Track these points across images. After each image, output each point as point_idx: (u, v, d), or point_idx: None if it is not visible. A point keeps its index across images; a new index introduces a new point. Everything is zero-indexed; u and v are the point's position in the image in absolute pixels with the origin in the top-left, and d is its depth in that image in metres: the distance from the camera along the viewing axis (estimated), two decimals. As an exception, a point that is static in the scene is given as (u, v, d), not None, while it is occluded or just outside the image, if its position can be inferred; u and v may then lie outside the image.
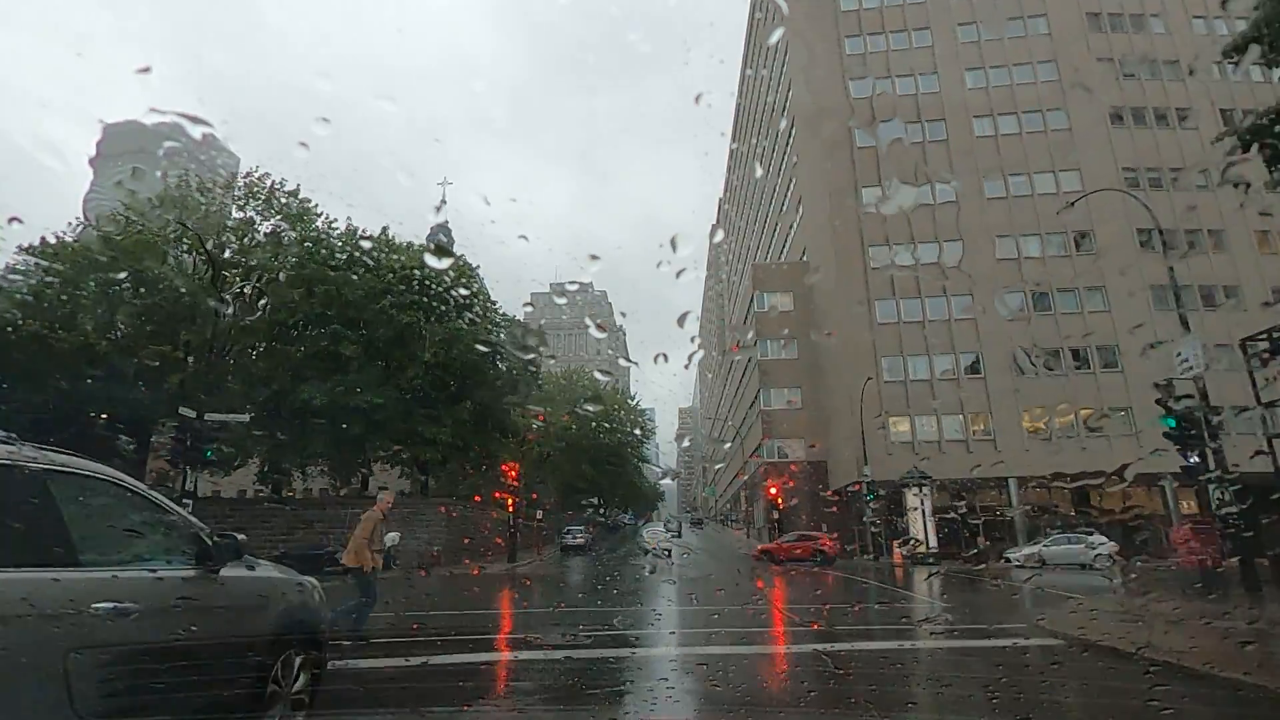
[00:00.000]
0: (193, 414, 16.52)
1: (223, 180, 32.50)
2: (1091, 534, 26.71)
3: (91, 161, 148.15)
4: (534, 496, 50.72)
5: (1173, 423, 11.32)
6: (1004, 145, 36.46)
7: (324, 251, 30.30)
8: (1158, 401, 11.88)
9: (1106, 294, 33.96)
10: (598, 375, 78.67)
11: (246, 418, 18.81)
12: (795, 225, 46.31)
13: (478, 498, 37.83)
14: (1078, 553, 25.31)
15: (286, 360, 28.64)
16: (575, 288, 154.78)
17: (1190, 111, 36.15)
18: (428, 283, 31.11)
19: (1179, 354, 11.84)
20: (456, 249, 39.91)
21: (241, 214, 31.69)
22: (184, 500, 16.42)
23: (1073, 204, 16.89)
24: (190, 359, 29.84)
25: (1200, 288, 33.81)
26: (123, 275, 27.60)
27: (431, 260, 32.15)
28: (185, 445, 16.35)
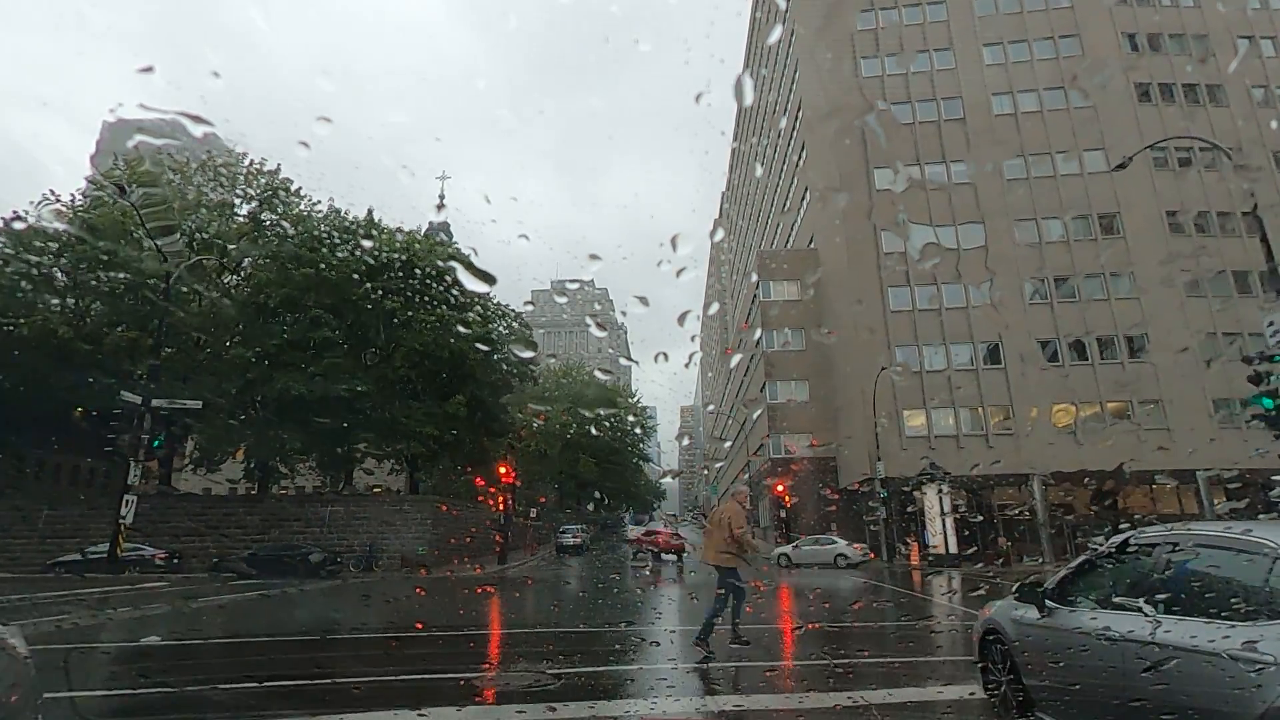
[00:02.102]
0: (136, 400, 14.77)
1: (200, 162, 30.77)
2: (835, 538, 29.13)
3: (92, 159, 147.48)
4: (541, 500, 49.02)
5: (1269, 403, 9.47)
6: (1024, 124, 34.55)
7: (304, 234, 28.58)
8: (1250, 379, 10.02)
9: (1134, 280, 32.01)
10: (598, 374, 76.89)
11: (198, 404, 17.07)
12: (802, 212, 44.44)
13: (481, 497, 36.21)
14: (822, 553, 27.15)
15: (263, 346, 26.89)
16: (576, 286, 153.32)
17: (1221, 89, 34.23)
18: (418, 270, 29.36)
19: (1270, 324, 9.99)
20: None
21: (218, 195, 30.05)
22: (126, 496, 14.65)
23: (1130, 159, 15.02)
24: (168, 347, 28.22)
25: (1234, 274, 31.90)
26: (86, 258, 25.99)
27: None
28: (127, 434, 14.58)
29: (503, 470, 29.17)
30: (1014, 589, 4.50)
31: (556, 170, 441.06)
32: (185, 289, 28.32)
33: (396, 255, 28.99)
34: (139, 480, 14.94)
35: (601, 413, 54.48)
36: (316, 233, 28.40)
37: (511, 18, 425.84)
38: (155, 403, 14.92)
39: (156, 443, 15.03)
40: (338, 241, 28.64)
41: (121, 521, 14.25)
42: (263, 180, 30.06)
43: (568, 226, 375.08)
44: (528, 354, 38.12)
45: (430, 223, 65.79)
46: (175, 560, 21.58)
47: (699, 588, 18.25)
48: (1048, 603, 4.22)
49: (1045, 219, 33.29)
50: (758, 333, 44.98)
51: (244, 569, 19.60)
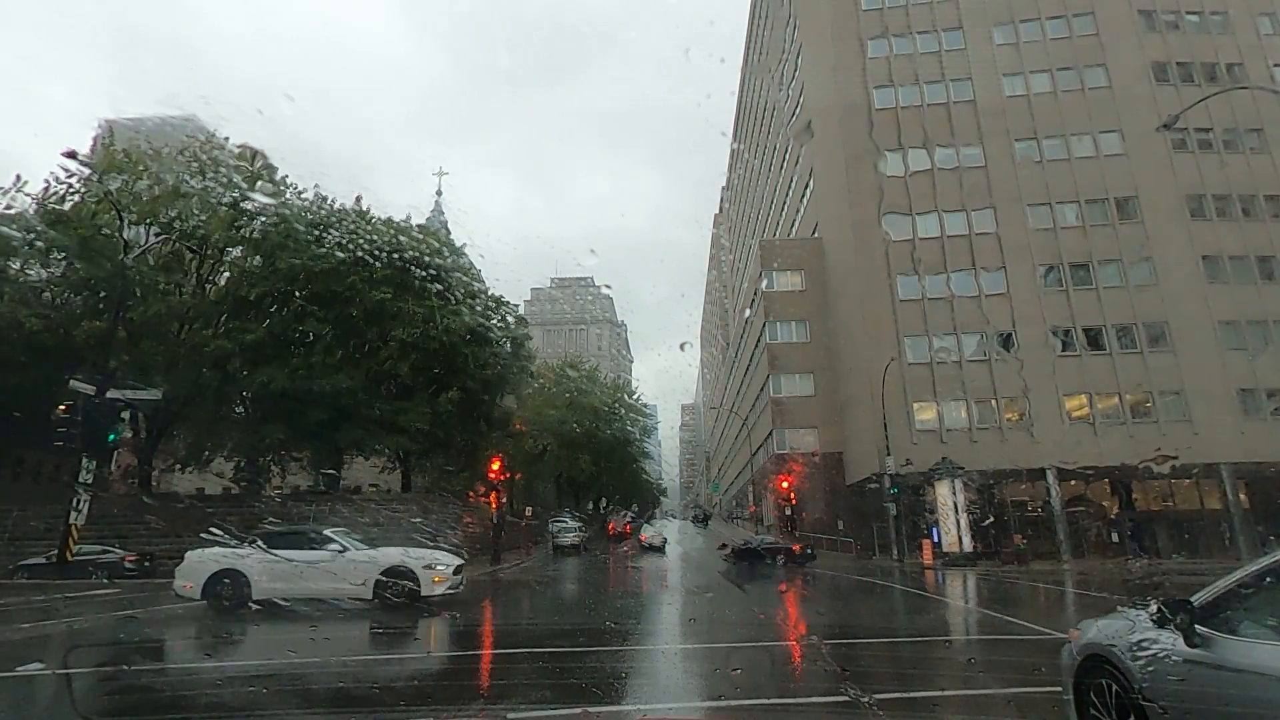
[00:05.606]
0: (90, 389, 13.58)
1: (180, 147, 29.51)
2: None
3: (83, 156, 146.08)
4: (524, 511, 47.69)
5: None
6: (1037, 105, 33.26)
7: (288, 224, 27.34)
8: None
9: (1154, 265, 30.77)
10: (597, 371, 75.75)
11: (157, 395, 15.91)
12: (805, 201, 43.19)
13: (475, 495, 35.03)
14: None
15: (246, 338, 25.68)
16: (575, 283, 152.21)
17: (1241, 67, 32.94)
18: (408, 262, 28.10)
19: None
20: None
21: (199, 183, 28.77)
22: (77, 496, 13.44)
23: (1177, 118, 13.76)
24: (147, 339, 26.99)
25: (1257, 259, 30.68)
26: (57, 246, 24.81)
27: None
28: (82, 428, 13.37)
29: (495, 466, 27.96)
30: (1153, 607, 3.43)
31: (557, 171, 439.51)
32: (164, 280, 27.20)
33: (393, 255, 27.72)
34: (91, 476, 13.74)
35: (601, 410, 53.27)
36: (301, 219, 27.17)
37: (512, 18, 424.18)
38: (111, 393, 13.74)
39: (112, 436, 13.89)
40: (323, 233, 27.45)
41: (72, 524, 13.05)
42: (247, 167, 28.79)
43: (565, 223, 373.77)
44: (524, 348, 36.95)
45: (428, 217, 64.77)
46: (147, 563, 20.34)
47: (702, 591, 17.13)
48: (1200, 629, 3.11)
49: (1060, 203, 32.04)
50: (761, 325, 43.74)
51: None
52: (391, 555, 11.82)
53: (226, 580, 11.07)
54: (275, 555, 11.34)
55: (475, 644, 10.07)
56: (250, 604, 11.03)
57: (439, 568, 11.70)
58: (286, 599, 11.07)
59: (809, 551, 26.41)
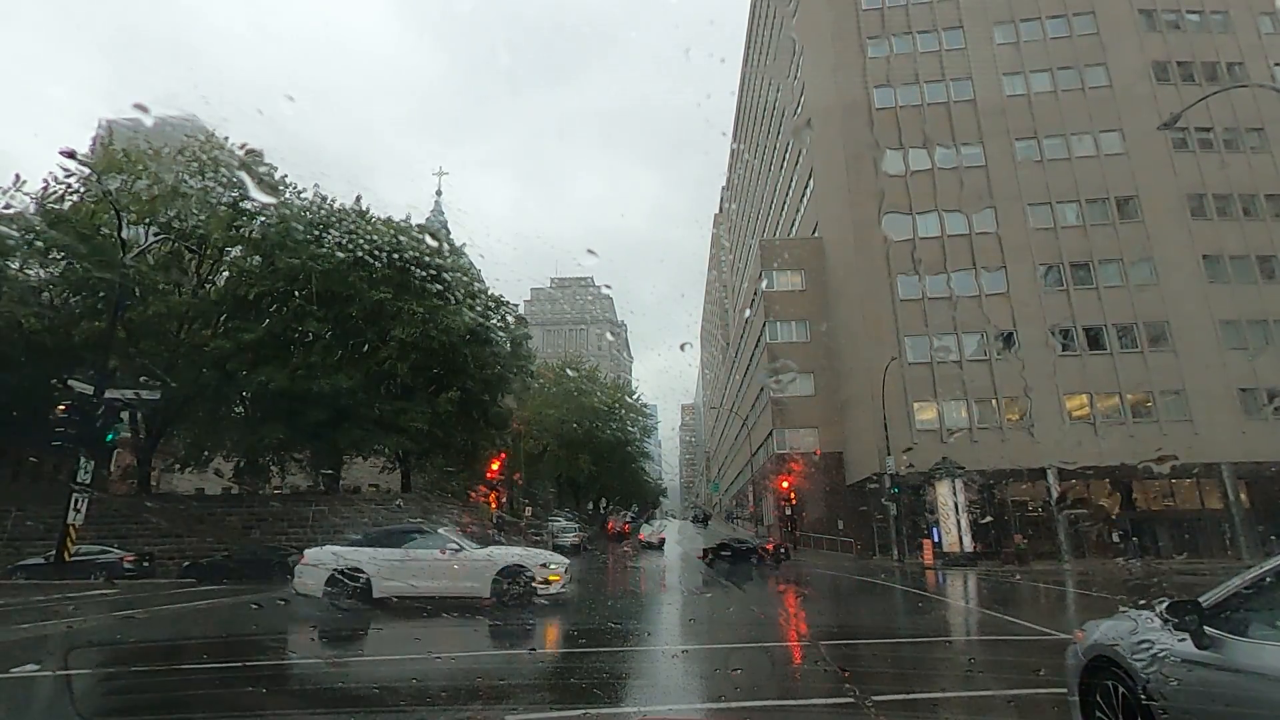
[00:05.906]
0: (89, 388, 13.55)
1: (179, 147, 29.48)
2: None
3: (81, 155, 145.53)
4: (524, 510, 47.77)
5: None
6: (1037, 105, 33.24)
7: (288, 224, 27.32)
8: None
9: (1154, 265, 30.75)
10: (597, 371, 75.63)
11: (157, 394, 15.87)
12: (806, 199, 43.16)
13: (474, 495, 35.08)
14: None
15: (245, 338, 25.66)
16: (576, 282, 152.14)
17: (1242, 66, 32.90)
18: (407, 261, 28.08)
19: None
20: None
21: (198, 183, 28.72)
22: (75, 495, 13.40)
23: (1175, 119, 13.72)
24: (146, 339, 26.96)
25: (1258, 259, 30.65)
26: (56, 245, 24.76)
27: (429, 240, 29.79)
28: (81, 428, 13.33)
29: (495, 466, 27.93)
30: (1161, 608, 3.34)
31: (556, 171, 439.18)
32: (163, 280, 27.18)
33: (393, 255, 27.68)
34: (89, 476, 13.72)
35: (600, 410, 53.25)
36: (299, 218, 27.15)
37: (512, 18, 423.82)
38: (110, 393, 13.70)
39: (110, 436, 13.85)
40: (323, 233, 27.43)
41: (70, 524, 13.01)
42: (241, 162, 28.74)
43: (567, 226, 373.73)
44: (524, 348, 36.92)
45: (428, 217, 64.76)
46: (146, 564, 20.31)
47: (700, 591, 17.11)
48: (1208, 630, 3.05)
49: (1060, 203, 32.02)
50: (761, 325, 43.72)
51: (210, 573, 18.30)
52: (507, 554, 11.92)
53: (347, 578, 11.01)
54: (394, 553, 11.36)
55: (475, 643, 10.04)
56: (370, 602, 10.98)
57: (553, 566, 11.72)
58: (405, 597, 11.05)
59: (782, 551, 26.83)
